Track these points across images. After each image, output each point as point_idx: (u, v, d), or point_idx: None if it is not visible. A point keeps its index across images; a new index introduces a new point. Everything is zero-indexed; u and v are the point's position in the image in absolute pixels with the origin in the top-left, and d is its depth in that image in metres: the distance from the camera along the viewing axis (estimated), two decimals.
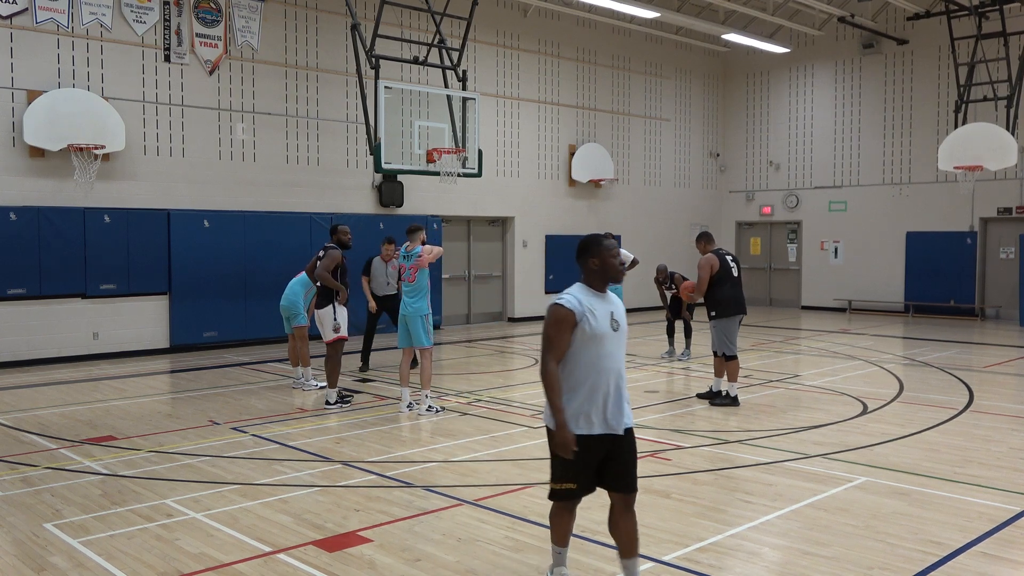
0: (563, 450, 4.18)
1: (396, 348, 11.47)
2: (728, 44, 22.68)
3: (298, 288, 10.60)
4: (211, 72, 14.31)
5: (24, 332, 12.55)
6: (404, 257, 9.12)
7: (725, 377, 9.54)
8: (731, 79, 23.83)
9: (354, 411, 9.24)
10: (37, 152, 12.55)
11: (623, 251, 13.98)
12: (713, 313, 9.50)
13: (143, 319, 13.66)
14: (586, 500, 6.07)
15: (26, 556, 5.03)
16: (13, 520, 5.65)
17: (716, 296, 9.45)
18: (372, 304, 11.66)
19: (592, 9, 18.97)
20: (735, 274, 9.55)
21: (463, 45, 14.76)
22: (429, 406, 9.05)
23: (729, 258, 9.60)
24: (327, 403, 9.44)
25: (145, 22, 13.58)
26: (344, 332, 9.46)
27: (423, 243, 9.18)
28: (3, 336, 12.36)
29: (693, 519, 5.65)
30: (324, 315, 9.45)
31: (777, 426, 8.46)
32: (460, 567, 4.82)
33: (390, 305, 11.42)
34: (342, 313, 9.46)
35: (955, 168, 16.98)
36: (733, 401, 9.45)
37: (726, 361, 9.50)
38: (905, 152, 20.71)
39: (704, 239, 9.85)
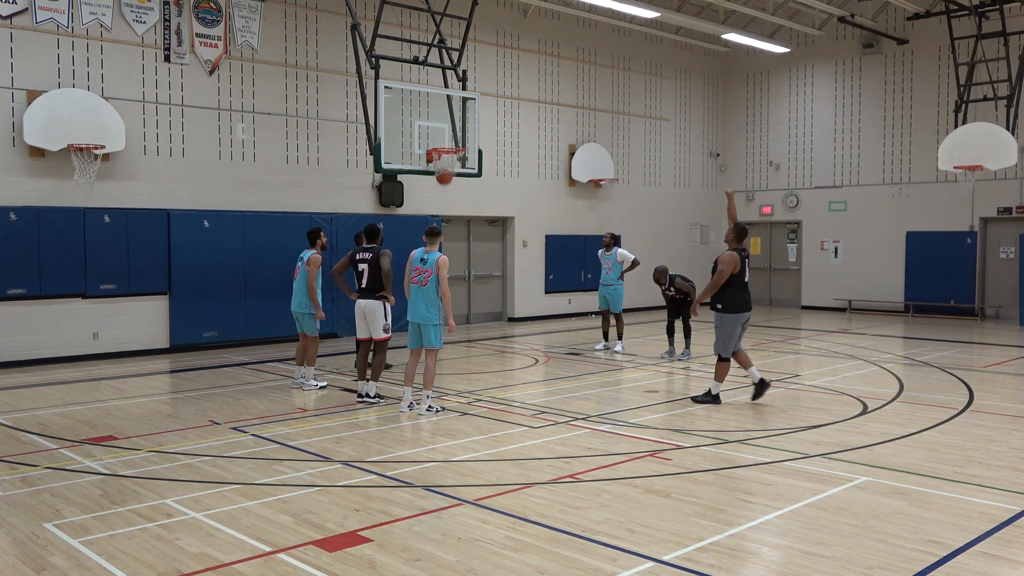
0: None
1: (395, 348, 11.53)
2: (728, 44, 22.69)
3: (305, 288, 10.57)
4: (211, 72, 14.31)
5: (24, 332, 12.55)
6: (422, 260, 9.07)
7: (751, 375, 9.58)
8: (731, 79, 23.84)
9: (354, 411, 9.24)
10: (37, 152, 12.55)
11: (623, 251, 14.12)
12: (719, 306, 9.48)
13: (143, 319, 13.66)
14: (586, 499, 6.09)
15: (26, 556, 5.03)
16: (13, 520, 5.65)
17: (726, 295, 9.44)
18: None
19: (592, 9, 18.97)
20: (745, 278, 9.53)
21: (463, 45, 14.75)
22: (429, 406, 9.05)
23: (745, 260, 9.55)
24: (368, 396, 9.63)
25: (145, 22, 13.58)
26: (391, 333, 9.78)
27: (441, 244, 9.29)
28: (3, 336, 12.36)
29: (693, 519, 5.65)
30: (375, 310, 9.60)
31: (777, 426, 8.47)
32: (460, 567, 4.82)
33: None
34: (390, 313, 9.71)
35: (955, 168, 16.98)
36: (714, 399, 9.53)
37: (719, 361, 9.54)
38: (905, 152, 20.71)
39: (734, 232, 9.59)
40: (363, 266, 9.66)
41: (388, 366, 11.58)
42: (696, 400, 9.65)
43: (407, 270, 9.19)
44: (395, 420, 8.82)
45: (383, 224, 15.94)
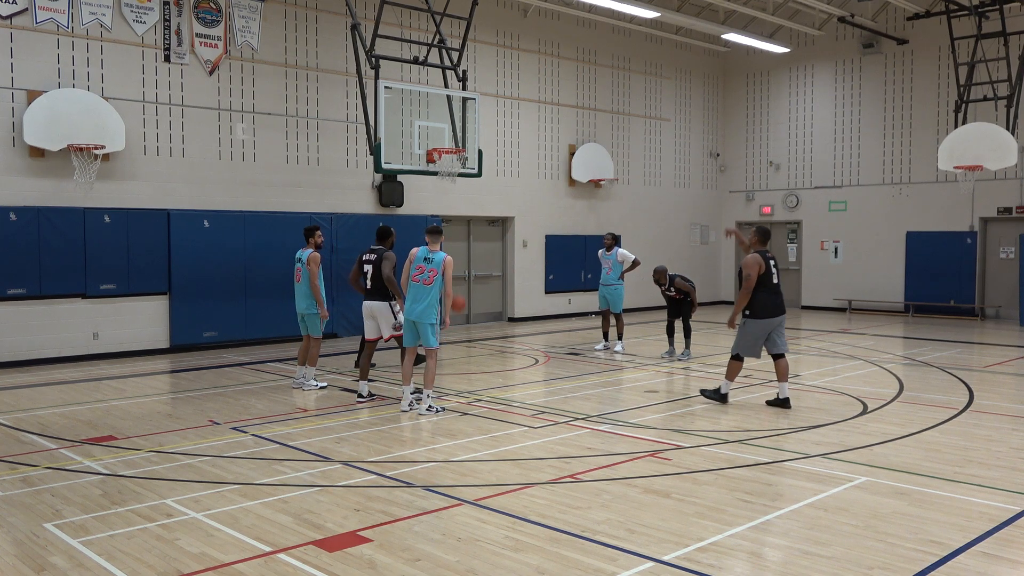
0: None
1: (396, 348, 11.53)
2: (728, 44, 22.69)
3: (307, 290, 10.55)
4: (211, 72, 14.31)
5: (24, 332, 12.55)
6: (425, 260, 9.04)
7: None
8: (731, 79, 23.84)
9: (354, 411, 9.24)
10: (37, 152, 12.55)
11: (623, 251, 14.12)
12: (747, 311, 9.32)
13: (143, 319, 13.66)
14: (586, 499, 6.09)
15: (26, 556, 5.03)
16: (13, 520, 5.65)
17: (753, 298, 9.27)
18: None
19: (592, 9, 18.97)
20: (775, 280, 9.32)
21: (463, 45, 14.75)
22: (430, 406, 9.05)
23: (772, 262, 9.37)
24: (361, 395, 9.75)
25: (145, 22, 13.58)
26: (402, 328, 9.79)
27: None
28: (3, 336, 12.35)
29: (693, 519, 5.65)
30: (383, 311, 9.69)
31: (777, 426, 8.47)
32: (460, 567, 4.82)
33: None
34: (398, 310, 9.72)
35: (955, 168, 16.98)
36: (722, 398, 9.47)
37: (732, 359, 9.44)
38: (905, 152, 20.71)
39: (757, 235, 9.54)
40: (369, 267, 9.75)
41: (372, 365, 11.55)
42: (704, 393, 9.61)
43: (407, 268, 9.17)
44: (395, 420, 8.82)
45: (383, 224, 16.05)
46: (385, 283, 9.56)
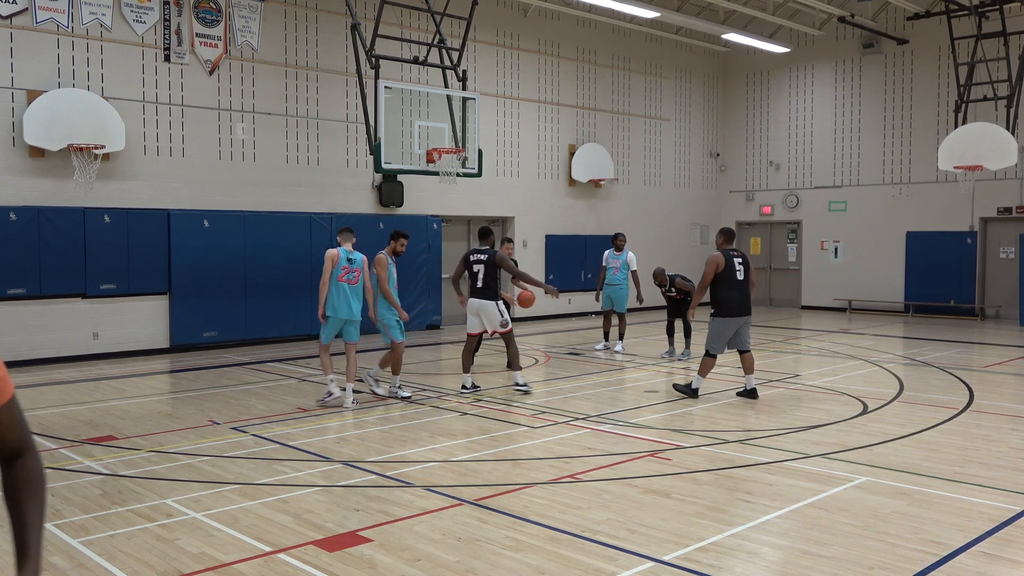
0: None
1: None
2: (728, 44, 22.69)
3: (363, 293, 10.48)
4: (211, 72, 14.31)
5: (24, 332, 12.54)
6: (349, 260, 9.36)
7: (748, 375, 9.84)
8: (731, 79, 23.84)
9: (354, 411, 9.24)
10: (37, 152, 12.55)
11: (630, 253, 14.11)
12: (713, 311, 9.78)
13: (143, 319, 13.66)
14: (586, 499, 6.09)
15: None
16: None
17: (717, 295, 9.70)
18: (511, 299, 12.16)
19: (592, 9, 18.97)
20: (739, 277, 9.61)
21: (463, 45, 14.76)
22: (354, 400, 9.35)
23: (737, 260, 9.65)
24: (465, 387, 10.24)
25: (145, 22, 13.57)
26: (510, 324, 10.29)
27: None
28: (3, 336, 12.34)
29: (693, 519, 5.64)
30: (490, 308, 10.13)
31: (777, 426, 8.47)
32: (460, 567, 4.82)
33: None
34: (505, 309, 10.29)
35: (955, 168, 16.97)
36: (692, 393, 9.74)
37: (705, 355, 9.81)
38: (905, 152, 20.71)
39: (722, 235, 10.05)
40: (479, 267, 10.20)
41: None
42: (677, 387, 9.95)
43: (328, 268, 9.30)
44: (395, 420, 8.82)
45: (383, 224, 16.06)
46: (515, 275, 10.44)
